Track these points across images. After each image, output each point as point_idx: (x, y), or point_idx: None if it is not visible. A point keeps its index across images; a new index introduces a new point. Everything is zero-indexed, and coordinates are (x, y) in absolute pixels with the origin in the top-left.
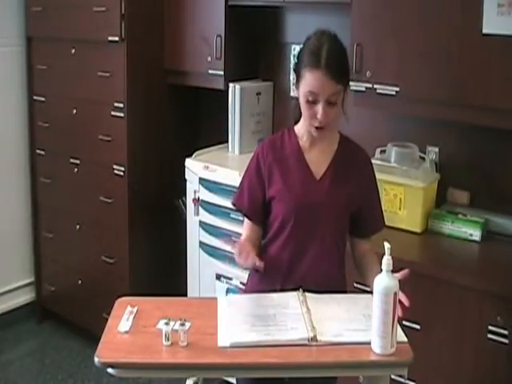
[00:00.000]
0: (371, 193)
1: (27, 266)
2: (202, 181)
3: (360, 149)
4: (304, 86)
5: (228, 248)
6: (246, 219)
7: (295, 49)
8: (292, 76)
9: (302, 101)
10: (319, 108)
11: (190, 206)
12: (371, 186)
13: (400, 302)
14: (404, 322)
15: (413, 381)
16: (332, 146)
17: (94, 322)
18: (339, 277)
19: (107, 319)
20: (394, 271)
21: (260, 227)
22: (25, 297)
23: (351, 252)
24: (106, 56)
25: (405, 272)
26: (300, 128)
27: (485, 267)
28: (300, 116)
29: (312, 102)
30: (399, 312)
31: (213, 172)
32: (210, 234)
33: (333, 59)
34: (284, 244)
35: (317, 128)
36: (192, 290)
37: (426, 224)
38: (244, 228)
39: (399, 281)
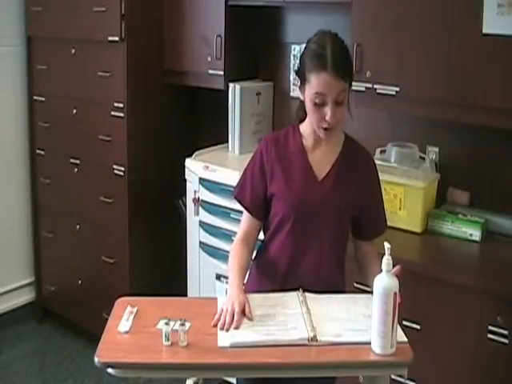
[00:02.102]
0: (374, 195)
1: (27, 266)
2: (201, 181)
3: (364, 150)
4: (311, 88)
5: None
6: (245, 213)
7: (295, 49)
8: (293, 77)
9: (308, 104)
10: (328, 109)
11: (190, 206)
12: (374, 188)
13: None
14: (404, 322)
15: (413, 381)
16: (336, 147)
17: (94, 322)
18: (339, 277)
19: (107, 319)
20: None
21: (260, 222)
22: (25, 297)
23: (354, 252)
24: (106, 56)
25: (397, 268)
26: (306, 128)
27: (485, 267)
28: (304, 116)
29: (320, 105)
30: None
31: (213, 172)
32: (210, 234)
33: (338, 59)
34: (283, 243)
35: (325, 129)
36: (192, 290)
37: (425, 224)
38: (243, 221)
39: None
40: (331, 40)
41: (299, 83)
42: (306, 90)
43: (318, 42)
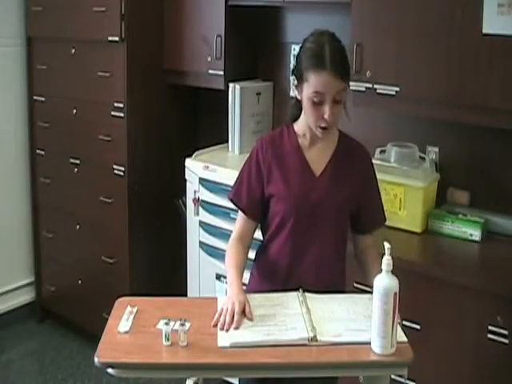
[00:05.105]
0: (371, 189)
1: (27, 266)
2: (201, 181)
3: (359, 145)
4: (309, 87)
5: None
6: (240, 214)
7: (295, 49)
8: (292, 79)
9: (306, 103)
10: (326, 108)
11: (190, 206)
12: (371, 181)
13: None
14: (404, 322)
15: (413, 381)
16: (331, 144)
17: (94, 321)
18: (339, 277)
19: (107, 319)
20: (393, 272)
21: (256, 222)
22: (25, 297)
23: (353, 248)
24: (106, 56)
25: None
26: (300, 126)
27: (485, 267)
28: (298, 114)
29: (318, 104)
30: None
31: (213, 172)
32: (210, 234)
33: (337, 58)
34: (284, 242)
35: (323, 128)
36: (192, 290)
37: (426, 224)
38: (238, 222)
39: None
40: (329, 40)
41: (296, 82)
42: (304, 88)
43: (315, 42)
